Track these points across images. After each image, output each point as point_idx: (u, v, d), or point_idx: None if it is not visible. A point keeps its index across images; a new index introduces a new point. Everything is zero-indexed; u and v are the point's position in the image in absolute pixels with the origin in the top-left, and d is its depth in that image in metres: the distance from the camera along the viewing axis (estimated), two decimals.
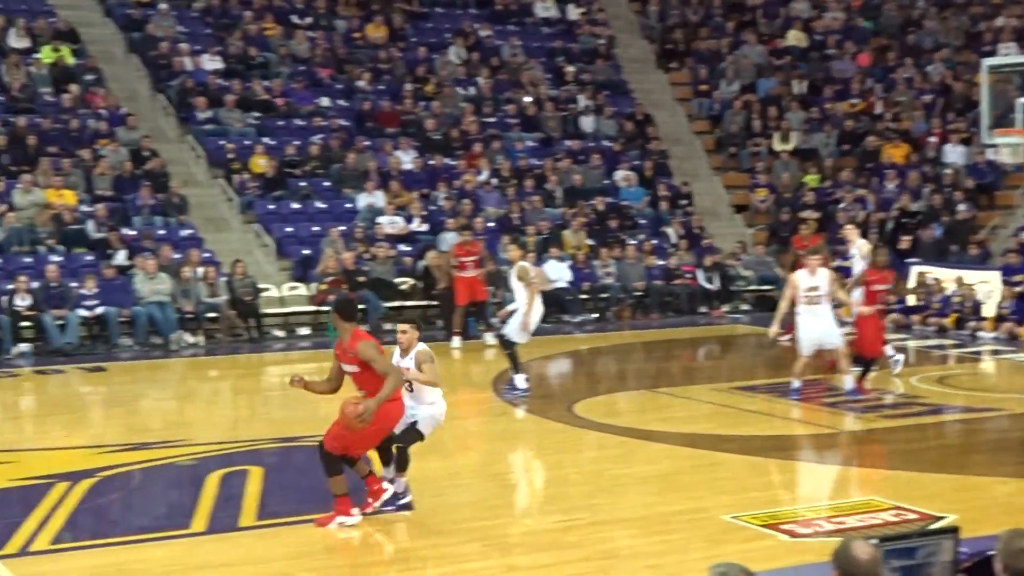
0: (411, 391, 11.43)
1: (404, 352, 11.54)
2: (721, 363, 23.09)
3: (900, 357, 19.26)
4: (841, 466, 13.96)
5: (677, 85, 36.06)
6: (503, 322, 18.76)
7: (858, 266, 19.90)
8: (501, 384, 18.94)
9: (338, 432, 10.73)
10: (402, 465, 11.46)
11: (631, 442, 14.68)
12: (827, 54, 35.81)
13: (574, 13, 36.80)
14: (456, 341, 23.15)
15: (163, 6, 31.73)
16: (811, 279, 16.78)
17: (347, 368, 10.99)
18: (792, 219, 29.41)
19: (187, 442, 14.71)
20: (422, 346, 11.58)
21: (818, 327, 16.79)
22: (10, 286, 22.95)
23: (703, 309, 27.93)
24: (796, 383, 16.99)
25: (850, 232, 21.52)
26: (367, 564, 9.95)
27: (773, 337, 18.19)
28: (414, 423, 11.46)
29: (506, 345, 18.32)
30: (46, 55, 29.41)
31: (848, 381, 17.07)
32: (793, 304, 17.05)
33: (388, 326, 25.55)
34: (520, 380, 18.09)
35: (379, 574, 9.72)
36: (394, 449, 11.40)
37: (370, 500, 11.01)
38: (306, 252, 26.52)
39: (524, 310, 18.05)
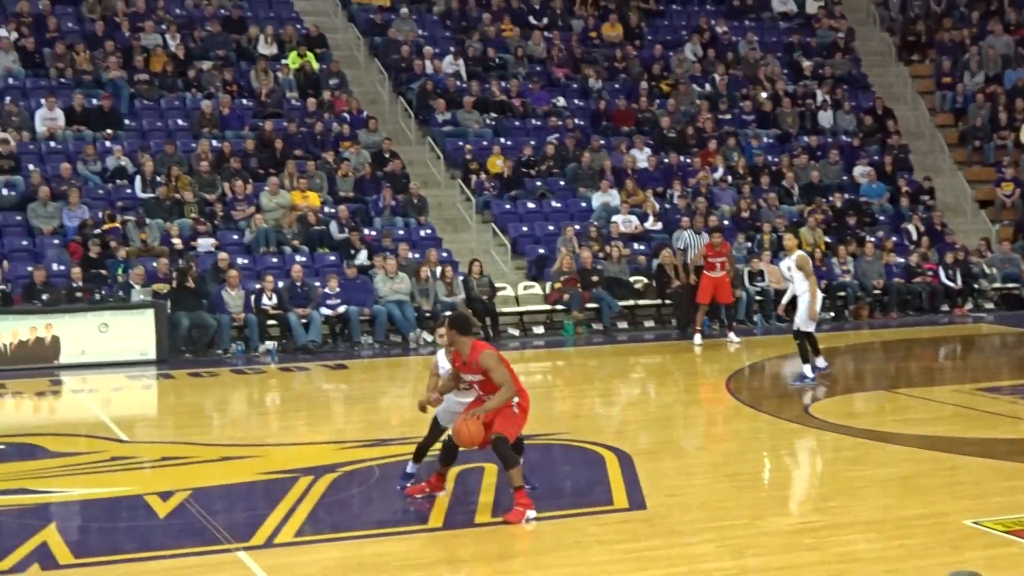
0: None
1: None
2: (963, 363, 22.50)
3: None
4: None
5: (918, 78, 35.28)
6: (783, 316, 18.88)
7: None
8: (735, 382, 18.81)
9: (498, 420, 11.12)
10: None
11: (868, 444, 14.41)
12: None
13: (812, 7, 36.33)
14: (698, 338, 23.10)
15: (404, 10, 32.42)
16: None
17: (469, 377, 11.32)
18: None
19: (405, 439, 14.98)
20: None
21: None
22: (257, 286, 23.72)
23: (945, 308, 27.28)
24: None
25: None
26: (600, 563, 9.99)
27: None
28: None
29: (798, 336, 18.61)
30: (292, 61, 30.32)
31: None
32: None
33: (623, 325, 25.73)
34: (819, 361, 18.62)
35: (612, 573, 9.76)
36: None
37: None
38: (541, 251, 26.75)
39: (807, 299, 18.34)
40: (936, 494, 11.94)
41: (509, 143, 29.56)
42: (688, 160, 30.03)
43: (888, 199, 30.33)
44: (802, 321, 18.48)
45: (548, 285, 25.68)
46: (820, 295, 19.14)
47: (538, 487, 11.99)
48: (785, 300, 19.64)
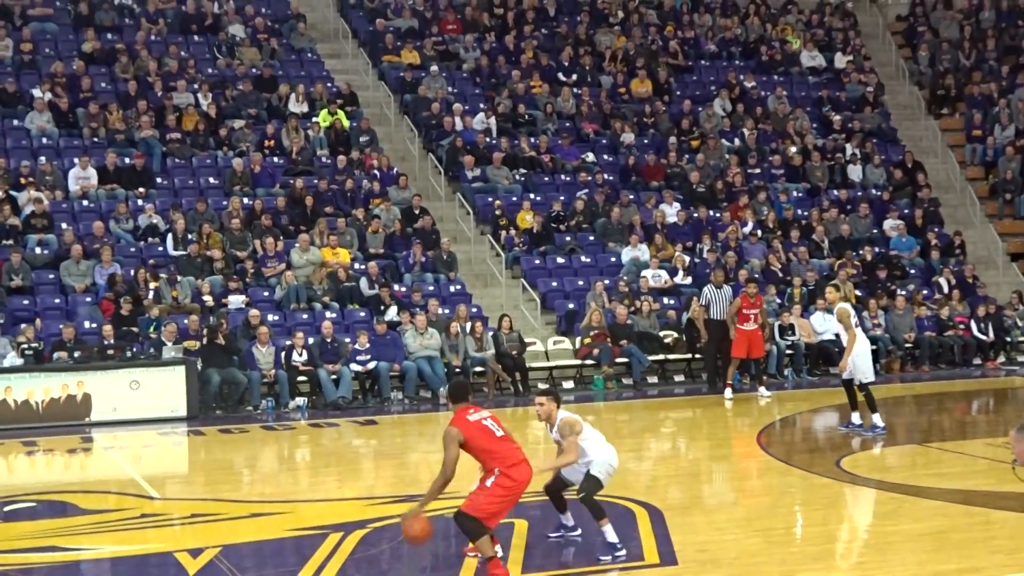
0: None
1: (548, 424, 11.80)
2: (996, 416, 22.32)
3: None
4: None
5: (948, 131, 35.29)
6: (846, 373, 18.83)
7: None
8: (765, 436, 18.72)
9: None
10: (598, 514, 11.61)
11: (901, 498, 14.29)
12: None
13: (841, 61, 36.42)
14: (729, 392, 23.03)
15: (434, 68, 32.62)
16: None
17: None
18: None
19: (455, 495, 14.93)
20: (565, 415, 11.72)
21: None
22: (288, 342, 23.78)
23: (977, 361, 27.15)
24: None
25: None
26: None
27: None
28: (588, 471, 11.68)
29: (861, 388, 18.72)
30: (323, 119, 30.53)
31: None
32: None
33: (652, 379, 25.67)
34: (876, 419, 18.58)
35: None
36: (580, 501, 11.66)
37: None
38: (571, 306, 26.76)
39: (847, 351, 18.52)
40: (970, 549, 11.82)
41: (538, 199, 29.64)
42: (718, 215, 30.04)
43: (919, 252, 30.28)
44: (850, 372, 18.58)
45: (578, 340, 25.67)
46: (868, 345, 19.10)
47: (577, 534, 12.01)
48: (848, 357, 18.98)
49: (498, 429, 11.00)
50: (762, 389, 23.36)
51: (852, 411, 18.84)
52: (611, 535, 11.59)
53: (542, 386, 25.24)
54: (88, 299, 24.66)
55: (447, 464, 10.74)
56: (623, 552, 11.52)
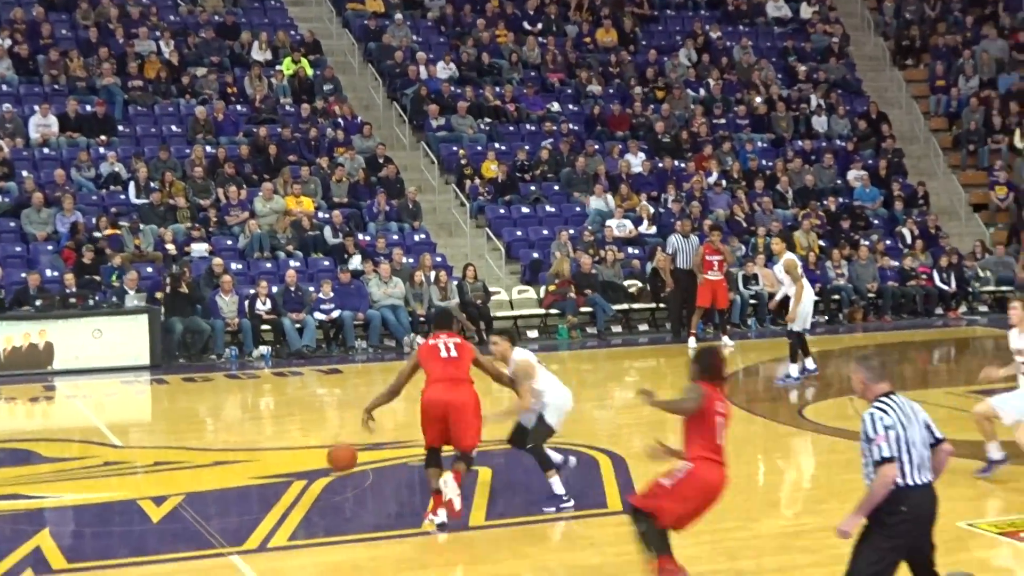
0: None
1: (505, 365, 11.91)
2: (957, 366, 22.50)
3: None
4: None
5: (913, 82, 35.35)
6: (772, 314, 19.28)
7: None
8: (729, 386, 18.81)
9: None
10: (545, 465, 11.73)
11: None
12: None
13: (807, 12, 36.39)
14: (693, 341, 23.07)
15: (398, 16, 32.42)
16: None
17: None
18: None
19: (418, 443, 14.96)
20: (519, 357, 11.78)
21: None
22: (252, 291, 23.71)
23: (939, 311, 27.32)
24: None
25: None
26: (594, 566, 9.99)
27: None
28: (542, 415, 11.76)
29: (790, 335, 19.13)
30: (287, 67, 30.32)
31: None
32: None
33: (617, 329, 25.75)
34: (808, 363, 19.05)
35: None
36: (529, 452, 11.81)
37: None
38: (535, 256, 26.77)
39: (794, 302, 18.79)
40: None
41: (503, 148, 29.57)
42: (682, 165, 30.04)
43: (882, 203, 30.38)
44: (792, 322, 18.98)
45: (542, 289, 25.69)
46: (812, 298, 19.52)
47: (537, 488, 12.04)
48: (777, 299, 20.50)
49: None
50: (725, 339, 23.43)
51: (791, 363, 19.13)
52: (558, 487, 11.71)
53: None
54: (50, 247, 24.49)
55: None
56: (570, 503, 11.63)
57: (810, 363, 19.17)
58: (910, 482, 7.69)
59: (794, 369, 19.06)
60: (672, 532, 8.97)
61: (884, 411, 7.76)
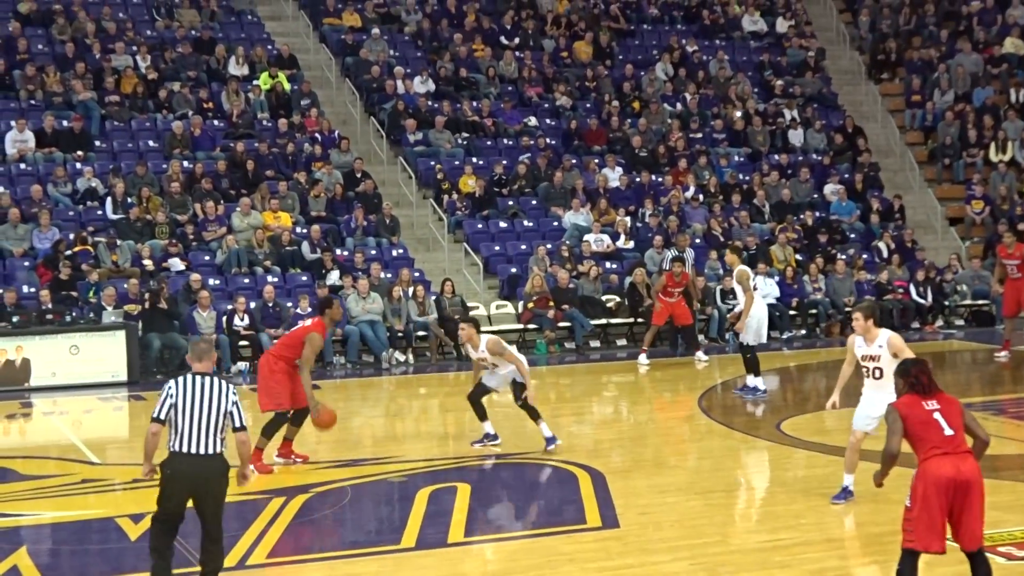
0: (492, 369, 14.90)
1: (473, 347, 14.78)
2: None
3: None
4: None
5: (888, 96, 35.50)
6: (732, 327, 19.92)
7: None
8: (707, 400, 18.87)
9: None
10: (534, 415, 14.77)
11: (839, 460, 14.37)
12: None
13: (782, 26, 36.51)
14: (643, 358, 23.12)
15: (375, 31, 32.43)
16: None
17: None
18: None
19: (397, 459, 14.99)
20: (488, 336, 15.06)
21: None
22: (229, 306, 23.66)
23: (915, 325, 27.38)
24: None
25: None
26: None
27: None
28: (514, 379, 14.78)
29: (742, 349, 19.18)
30: (264, 82, 30.29)
31: None
32: None
33: (595, 344, 25.77)
34: (758, 382, 18.99)
35: None
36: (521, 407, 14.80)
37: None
38: (513, 271, 26.78)
39: (744, 312, 18.92)
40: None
41: (481, 162, 29.60)
42: (660, 179, 30.10)
43: (859, 217, 30.47)
44: (741, 332, 18.99)
45: (520, 304, 25.70)
46: (765, 312, 19.37)
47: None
48: (736, 312, 20.62)
49: None
50: (699, 354, 23.44)
51: (753, 376, 19.09)
52: (547, 431, 14.60)
53: None
54: (26, 263, 24.41)
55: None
56: (560, 442, 14.54)
57: (760, 383, 19.07)
58: None
59: (760, 382, 19.02)
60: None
61: None
